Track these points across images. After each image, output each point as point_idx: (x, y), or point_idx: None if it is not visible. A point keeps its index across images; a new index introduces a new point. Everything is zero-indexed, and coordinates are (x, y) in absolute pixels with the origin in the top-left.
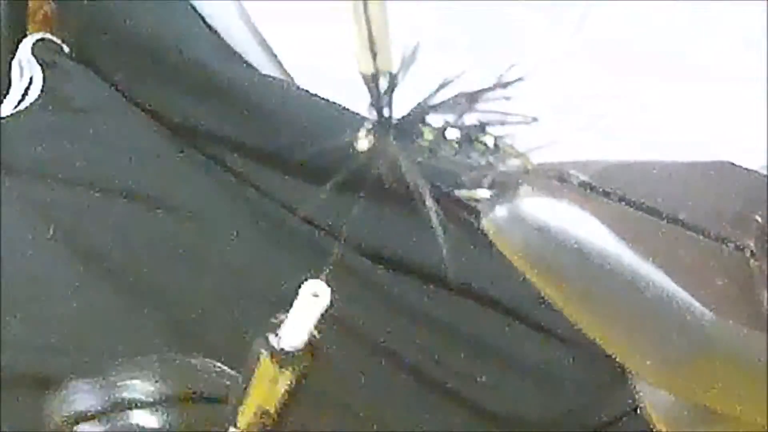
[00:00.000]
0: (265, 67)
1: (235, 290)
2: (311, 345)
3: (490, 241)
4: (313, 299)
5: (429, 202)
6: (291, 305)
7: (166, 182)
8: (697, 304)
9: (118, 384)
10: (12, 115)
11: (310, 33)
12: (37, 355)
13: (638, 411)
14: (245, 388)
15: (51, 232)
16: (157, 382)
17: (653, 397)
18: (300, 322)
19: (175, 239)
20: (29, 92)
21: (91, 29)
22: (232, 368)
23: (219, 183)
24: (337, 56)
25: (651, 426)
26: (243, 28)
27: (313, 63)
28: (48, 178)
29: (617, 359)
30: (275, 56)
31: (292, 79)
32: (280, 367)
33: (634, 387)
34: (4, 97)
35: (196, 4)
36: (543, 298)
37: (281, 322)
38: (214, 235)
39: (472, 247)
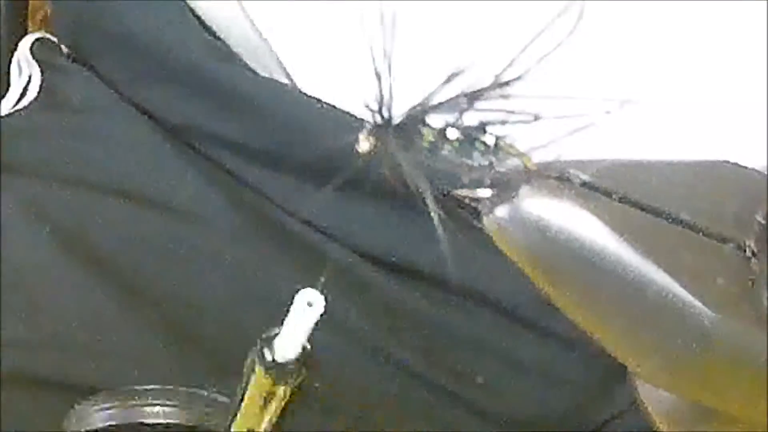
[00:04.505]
0: (272, 71)
1: (232, 291)
2: (306, 357)
3: (491, 241)
4: (307, 309)
5: (430, 202)
6: (287, 311)
7: (163, 182)
8: (697, 303)
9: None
10: (10, 114)
11: (315, 37)
12: (37, 355)
13: (636, 408)
14: (240, 402)
15: (49, 231)
16: (173, 408)
17: (653, 397)
18: (294, 333)
19: (173, 239)
20: (27, 91)
21: (89, 29)
22: (230, 369)
23: (216, 184)
24: (340, 59)
25: (649, 424)
26: (250, 33)
27: (317, 67)
28: (46, 178)
29: (617, 358)
30: (280, 61)
31: (294, 82)
32: (275, 381)
33: (634, 386)
34: (3, 97)
35: (202, 6)
36: (542, 297)
37: (275, 334)
38: (211, 236)
39: (472, 247)
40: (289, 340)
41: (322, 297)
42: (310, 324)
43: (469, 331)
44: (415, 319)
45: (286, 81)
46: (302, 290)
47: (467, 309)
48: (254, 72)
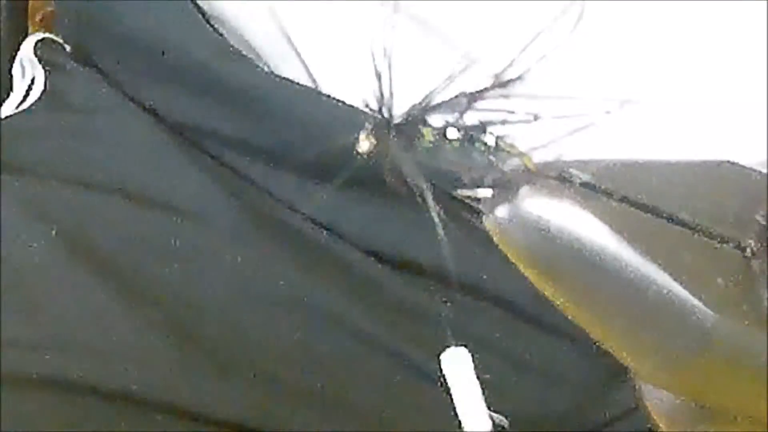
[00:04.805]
0: (282, 68)
1: (234, 290)
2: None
3: (491, 240)
4: (461, 373)
5: (430, 202)
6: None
7: (165, 181)
8: (698, 303)
9: None
10: (14, 114)
11: (315, 37)
12: (37, 355)
13: (638, 409)
14: None
15: (51, 231)
16: None
17: (654, 397)
18: (470, 403)
19: (174, 239)
20: (31, 92)
21: (91, 29)
22: (230, 369)
23: (219, 182)
24: (340, 59)
25: (650, 424)
26: (271, 32)
27: (316, 66)
28: (49, 178)
29: (618, 358)
30: (300, 56)
31: (315, 82)
32: None
33: (635, 386)
34: (6, 97)
35: (219, 6)
36: (543, 296)
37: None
38: (213, 235)
39: (474, 245)
40: (472, 413)
41: (464, 350)
42: (476, 385)
43: (471, 329)
44: (418, 317)
45: (306, 78)
46: (444, 356)
47: (469, 306)
48: (261, 69)
